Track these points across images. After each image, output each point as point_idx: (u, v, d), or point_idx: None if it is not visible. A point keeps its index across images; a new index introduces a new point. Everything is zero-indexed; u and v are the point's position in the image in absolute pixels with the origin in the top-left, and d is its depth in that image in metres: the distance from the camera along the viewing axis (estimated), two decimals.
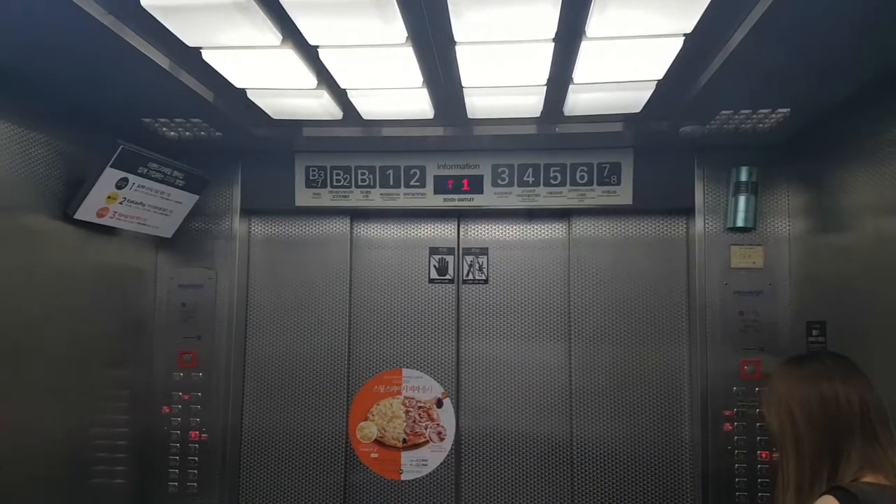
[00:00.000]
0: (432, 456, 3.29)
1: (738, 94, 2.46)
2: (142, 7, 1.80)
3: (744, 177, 3.03)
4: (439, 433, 3.30)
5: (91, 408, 2.86)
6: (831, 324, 2.69)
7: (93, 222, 2.72)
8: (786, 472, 1.74)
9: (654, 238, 3.29)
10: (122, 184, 2.69)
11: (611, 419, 3.22)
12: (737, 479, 2.97)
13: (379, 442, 3.32)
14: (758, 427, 2.97)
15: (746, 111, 2.60)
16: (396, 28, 1.90)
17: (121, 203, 2.77)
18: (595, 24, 1.87)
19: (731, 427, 2.99)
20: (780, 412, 1.77)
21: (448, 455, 3.29)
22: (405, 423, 3.32)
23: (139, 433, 3.19)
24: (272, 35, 1.95)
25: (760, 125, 2.75)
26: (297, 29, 1.91)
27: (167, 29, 1.93)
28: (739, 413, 2.99)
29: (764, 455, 2.96)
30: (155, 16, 1.85)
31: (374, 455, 3.31)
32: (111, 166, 2.59)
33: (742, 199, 3.03)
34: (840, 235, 2.61)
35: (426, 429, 3.31)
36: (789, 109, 2.58)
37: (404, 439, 3.31)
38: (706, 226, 3.10)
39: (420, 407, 3.32)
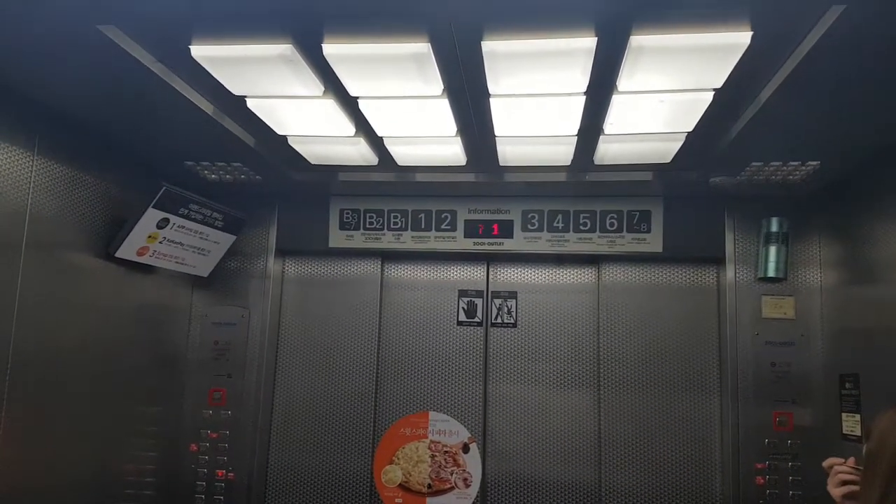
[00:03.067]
0: (458, 503, 3.26)
1: (768, 147, 2.49)
2: (192, 57, 1.88)
3: (774, 227, 3.03)
4: (465, 479, 3.28)
5: (122, 443, 2.90)
6: (864, 376, 2.66)
7: (132, 260, 2.80)
8: (861, 490, 1.72)
9: (685, 286, 3.29)
10: (162, 224, 2.77)
11: (640, 469, 3.18)
12: None
13: (404, 487, 3.30)
14: (790, 481, 2.92)
15: (776, 163, 2.62)
16: (434, 82, 1.97)
17: (161, 242, 2.85)
18: (626, 78, 1.92)
19: (763, 480, 2.94)
20: (880, 440, 1.67)
21: (473, 503, 3.26)
22: (431, 468, 3.30)
23: (167, 470, 3.22)
24: (315, 86, 2.03)
25: (791, 177, 2.76)
26: (340, 81, 1.98)
27: (214, 78, 2.02)
28: (772, 466, 2.94)
29: None
30: (204, 66, 1.94)
31: (398, 500, 3.29)
32: (153, 207, 2.67)
33: (773, 250, 3.03)
34: (873, 287, 2.59)
35: (452, 474, 3.28)
36: (819, 162, 2.59)
37: (429, 485, 3.29)
38: (737, 275, 3.10)
39: (446, 451, 3.31)
